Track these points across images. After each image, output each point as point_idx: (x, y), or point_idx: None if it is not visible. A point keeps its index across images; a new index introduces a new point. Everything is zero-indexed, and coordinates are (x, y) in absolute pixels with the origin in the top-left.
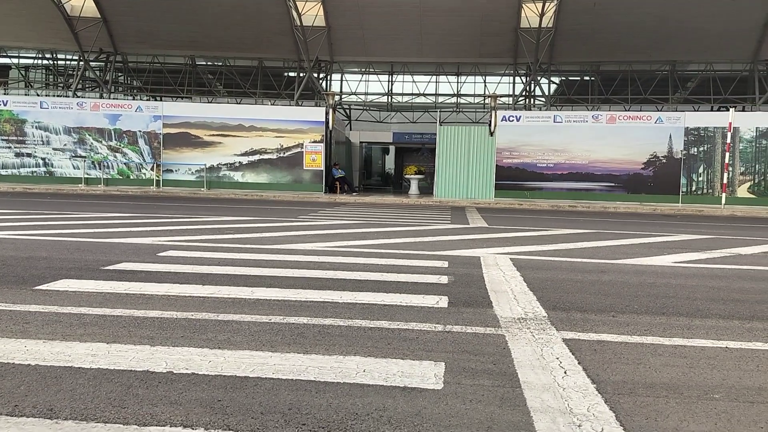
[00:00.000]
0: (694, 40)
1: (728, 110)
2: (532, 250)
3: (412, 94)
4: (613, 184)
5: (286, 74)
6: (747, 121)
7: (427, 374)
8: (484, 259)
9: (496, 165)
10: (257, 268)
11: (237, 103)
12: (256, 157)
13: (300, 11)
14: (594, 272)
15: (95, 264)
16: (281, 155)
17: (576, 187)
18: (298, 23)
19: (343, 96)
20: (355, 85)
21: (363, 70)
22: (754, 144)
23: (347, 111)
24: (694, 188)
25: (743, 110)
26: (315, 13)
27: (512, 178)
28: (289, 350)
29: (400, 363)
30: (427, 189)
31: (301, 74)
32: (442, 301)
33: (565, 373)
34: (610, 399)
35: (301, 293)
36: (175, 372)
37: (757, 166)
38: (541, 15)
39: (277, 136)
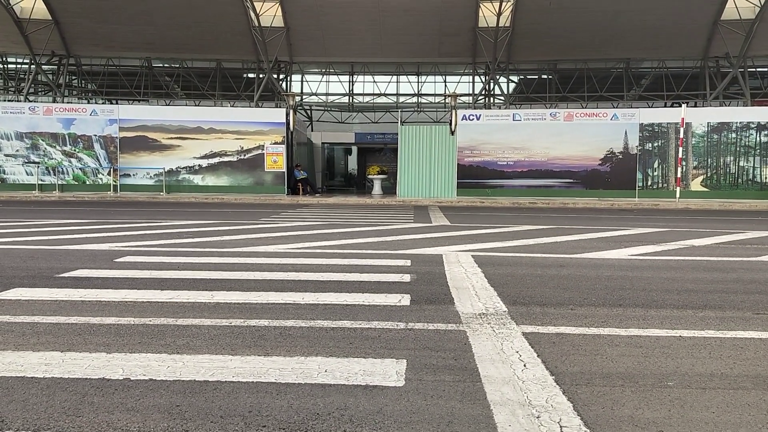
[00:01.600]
0: (647, 37)
1: (680, 106)
2: (493, 246)
3: (373, 95)
4: (571, 180)
5: (245, 75)
6: (699, 117)
7: (389, 372)
8: (446, 257)
9: (458, 164)
10: (218, 271)
11: (195, 106)
12: (216, 159)
13: (258, 12)
14: (553, 267)
15: (49, 272)
16: (242, 157)
17: (536, 184)
18: (256, 24)
19: (303, 97)
20: (315, 85)
21: (323, 70)
22: (705, 139)
23: (308, 112)
24: (649, 183)
25: (695, 106)
26: (273, 13)
27: (473, 176)
28: (250, 353)
29: (362, 362)
30: (390, 189)
31: (261, 75)
32: (405, 299)
33: (524, 366)
34: (568, 390)
35: (262, 296)
36: (132, 378)
37: (709, 160)
38: (498, 14)
39: (237, 138)
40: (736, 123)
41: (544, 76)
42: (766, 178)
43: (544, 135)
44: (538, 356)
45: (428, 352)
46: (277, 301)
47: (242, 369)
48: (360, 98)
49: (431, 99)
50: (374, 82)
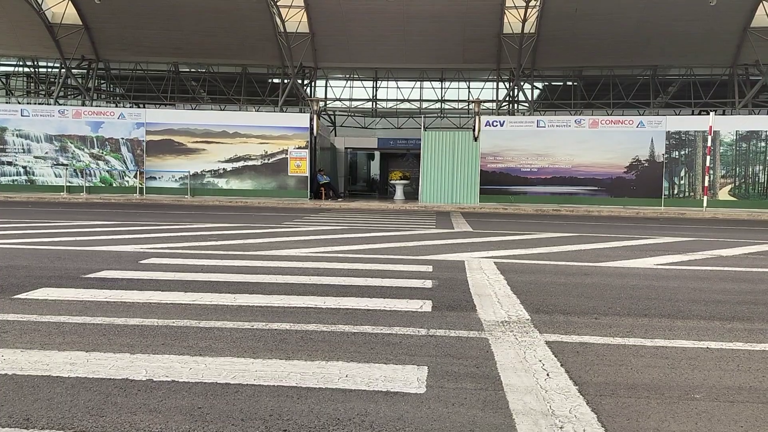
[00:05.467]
0: (674, 44)
1: (708, 114)
2: (516, 253)
3: (396, 100)
4: (596, 188)
5: (270, 81)
6: (727, 125)
7: (410, 378)
8: (468, 263)
9: (481, 170)
10: (240, 274)
11: (221, 110)
12: (241, 163)
13: (284, 18)
14: (577, 275)
15: (75, 272)
16: (266, 161)
17: (560, 191)
18: (282, 30)
19: (327, 102)
20: (339, 91)
21: (347, 76)
22: (734, 147)
23: (332, 117)
24: (676, 191)
25: (723, 114)
26: (299, 19)
27: (496, 182)
28: (271, 356)
29: (383, 368)
30: (412, 194)
31: (285, 80)
32: (426, 305)
33: (547, 375)
34: (592, 400)
35: (284, 299)
36: (155, 380)
37: (737, 169)
38: (524, 21)
39: (261, 143)
40: (766, 131)
41: (569, 83)
42: None
43: (569, 142)
44: (561, 365)
45: (450, 359)
46: (299, 304)
47: (263, 372)
48: (383, 104)
49: (455, 105)
50: (398, 87)
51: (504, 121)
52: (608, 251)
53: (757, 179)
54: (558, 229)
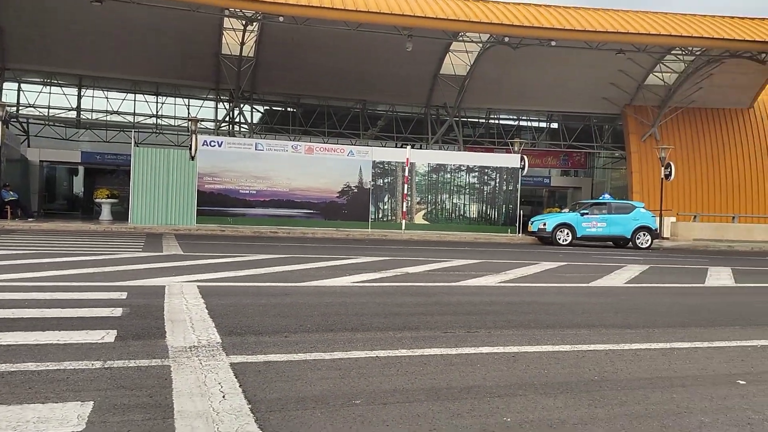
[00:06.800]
0: (381, 83)
1: (406, 148)
2: (224, 276)
3: (104, 111)
4: (312, 211)
5: None
6: (421, 158)
7: (69, 416)
8: (170, 288)
9: (198, 190)
10: None
11: None
12: None
13: None
14: (278, 295)
15: None
16: None
17: (278, 214)
18: None
19: (19, 108)
20: (35, 96)
21: (45, 80)
22: (427, 177)
23: (24, 125)
24: (380, 215)
25: (420, 148)
26: None
27: (215, 203)
28: None
29: (38, 408)
30: (122, 214)
31: None
32: (109, 336)
33: (223, 397)
34: (262, 417)
35: None
36: None
37: (429, 196)
38: (242, 44)
39: None
40: (451, 165)
41: (289, 109)
42: (472, 213)
43: (287, 166)
44: (240, 386)
45: (122, 391)
46: None
47: None
48: (89, 114)
49: (171, 122)
50: (107, 98)
51: (222, 142)
52: (313, 271)
53: (444, 206)
54: (271, 251)
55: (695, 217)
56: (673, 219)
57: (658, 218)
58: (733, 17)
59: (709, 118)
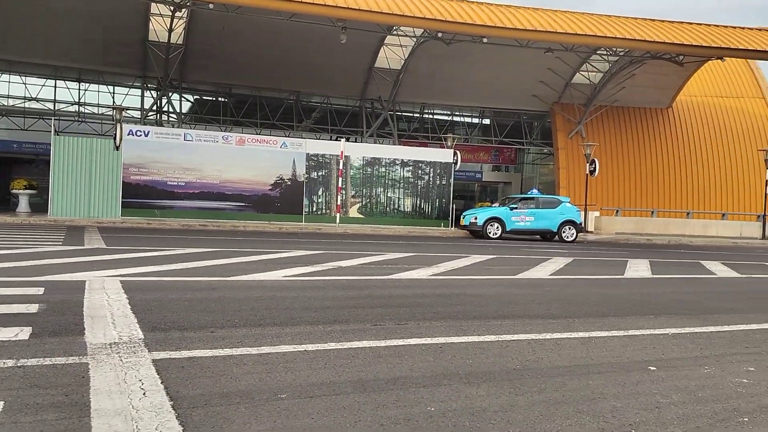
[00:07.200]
0: (314, 75)
1: (340, 140)
2: (148, 270)
3: (23, 98)
4: (244, 204)
5: None
6: (356, 151)
7: None
8: (90, 283)
9: (123, 181)
10: None
11: None
12: None
13: None
14: (206, 290)
15: None
16: None
17: (208, 206)
18: None
19: None
20: None
21: None
22: (361, 171)
23: None
24: (315, 209)
25: (355, 141)
26: None
27: (142, 195)
28: None
29: None
30: (42, 206)
31: None
32: (23, 333)
33: (144, 394)
34: (184, 414)
35: None
36: None
37: (364, 189)
38: (170, 30)
39: None
40: (386, 159)
41: (220, 99)
42: (406, 207)
43: (217, 157)
44: (162, 383)
45: (36, 390)
46: None
47: None
48: (4, 101)
49: (95, 110)
50: (25, 84)
51: (149, 131)
52: (244, 265)
53: (379, 199)
54: (201, 244)
55: (617, 211)
56: (597, 213)
57: (582, 213)
58: (654, 20)
59: (631, 117)
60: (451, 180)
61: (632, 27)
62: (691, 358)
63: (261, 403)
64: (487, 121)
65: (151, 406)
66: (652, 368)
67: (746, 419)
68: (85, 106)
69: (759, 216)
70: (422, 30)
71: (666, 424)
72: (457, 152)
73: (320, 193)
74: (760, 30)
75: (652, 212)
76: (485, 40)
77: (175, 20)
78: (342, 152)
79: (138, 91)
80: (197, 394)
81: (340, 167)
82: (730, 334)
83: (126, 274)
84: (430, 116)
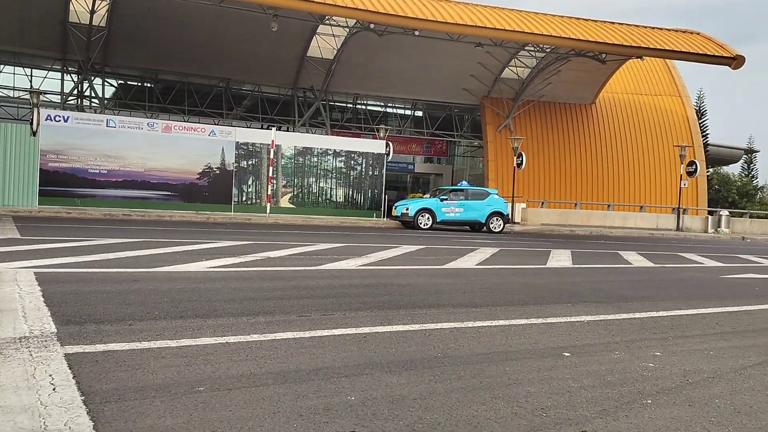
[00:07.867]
0: (245, 62)
1: (271, 129)
2: (66, 262)
3: None
4: (169, 193)
5: None
6: (288, 141)
7: None
8: (1, 275)
9: (41, 169)
10: None
11: None
12: None
13: None
14: (126, 282)
15: None
16: None
17: (132, 195)
18: None
19: None
20: None
21: None
22: (293, 160)
23: None
24: (244, 198)
25: (287, 130)
26: None
27: (61, 183)
28: None
29: None
30: None
31: None
32: None
33: (53, 390)
34: (95, 409)
35: None
36: None
37: (296, 179)
38: (92, 12)
39: None
40: (318, 149)
41: (146, 84)
42: (339, 198)
43: (142, 145)
44: (73, 378)
45: None
46: None
47: None
48: None
49: (9, 93)
50: None
51: (69, 117)
52: (167, 256)
53: (311, 189)
54: (123, 234)
55: (543, 203)
56: (524, 205)
57: (510, 204)
58: (579, 18)
59: (556, 112)
60: (384, 171)
61: (558, 25)
62: (603, 344)
63: (178, 397)
64: (419, 113)
65: (60, 401)
66: (566, 354)
67: (650, 401)
68: (0, 89)
69: (674, 208)
70: (354, 20)
71: (576, 407)
72: (390, 143)
73: (250, 182)
74: (677, 31)
75: (576, 204)
76: (417, 32)
77: (98, 2)
78: (273, 141)
79: (57, 75)
80: (111, 389)
81: (271, 156)
82: (640, 321)
83: (41, 265)
84: (364, 107)
